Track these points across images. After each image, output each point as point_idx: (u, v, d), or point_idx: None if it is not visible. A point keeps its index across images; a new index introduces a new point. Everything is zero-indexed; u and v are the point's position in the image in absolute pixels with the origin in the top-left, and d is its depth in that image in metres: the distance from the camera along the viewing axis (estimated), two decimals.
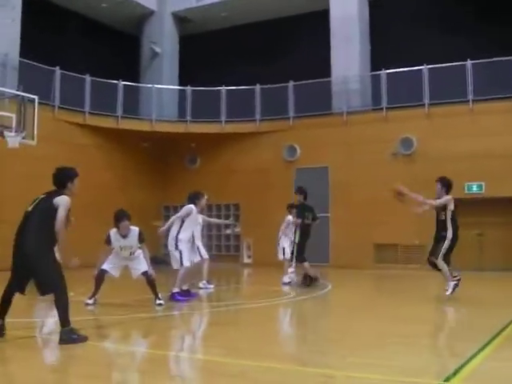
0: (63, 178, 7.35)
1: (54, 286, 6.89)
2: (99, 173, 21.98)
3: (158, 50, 26.74)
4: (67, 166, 7.72)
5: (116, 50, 26.64)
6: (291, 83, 23.14)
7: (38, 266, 6.88)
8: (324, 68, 23.10)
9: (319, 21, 24.34)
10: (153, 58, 27.03)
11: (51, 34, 24.03)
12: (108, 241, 10.36)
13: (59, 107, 21.42)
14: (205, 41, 27.40)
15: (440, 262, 11.20)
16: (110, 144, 23.06)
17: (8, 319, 7.07)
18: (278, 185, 22.59)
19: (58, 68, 21.44)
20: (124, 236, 10.27)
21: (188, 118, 23.77)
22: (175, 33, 27.59)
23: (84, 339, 6.86)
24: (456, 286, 11.15)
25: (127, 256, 10.46)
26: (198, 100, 23.80)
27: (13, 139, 16.22)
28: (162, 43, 26.98)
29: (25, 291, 7.09)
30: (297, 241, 14.54)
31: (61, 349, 6.63)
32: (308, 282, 14.30)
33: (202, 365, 6.02)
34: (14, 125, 16.38)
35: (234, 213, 24.13)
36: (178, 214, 11.94)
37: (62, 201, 7.00)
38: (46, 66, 21.04)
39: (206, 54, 27.11)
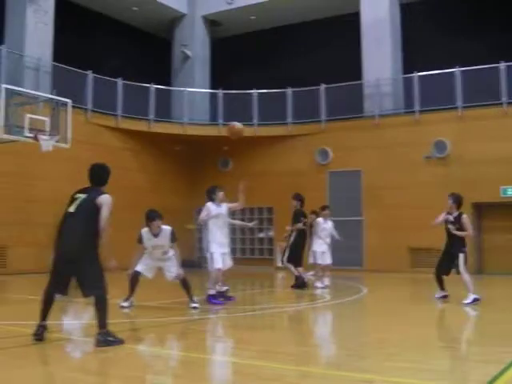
0: (105, 175, 7.33)
1: (98, 287, 6.84)
2: (132, 176, 22.09)
3: (189, 53, 26.81)
4: (102, 162, 7.60)
5: (148, 54, 26.79)
6: (323, 86, 23.03)
7: (83, 267, 6.82)
8: (355, 71, 22.96)
9: (350, 24, 24.18)
10: (184, 61, 27.11)
11: (83, 38, 24.22)
12: (140, 240, 10.37)
13: (92, 110, 21.56)
14: (235, 44, 27.44)
15: (465, 275, 11.19)
16: (143, 147, 23.17)
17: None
18: (310, 188, 22.35)
19: (90, 72, 21.59)
20: (155, 235, 10.26)
21: (220, 121, 23.76)
22: (206, 36, 27.64)
23: (120, 342, 6.82)
24: (476, 300, 11.05)
25: (160, 256, 10.44)
26: (230, 103, 23.79)
27: (46, 142, 16.32)
28: (193, 46, 27.04)
29: (67, 292, 7.06)
30: (292, 245, 14.87)
31: (98, 351, 6.62)
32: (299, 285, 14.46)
33: (238, 368, 5.96)
34: (47, 128, 16.50)
35: (267, 216, 24.08)
36: (200, 217, 11.79)
37: (106, 200, 6.95)
38: (79, 70, 21.21)
39: (237, 56, 27.15)
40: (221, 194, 11.99)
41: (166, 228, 10.37)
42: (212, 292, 11.22)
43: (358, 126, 22.26)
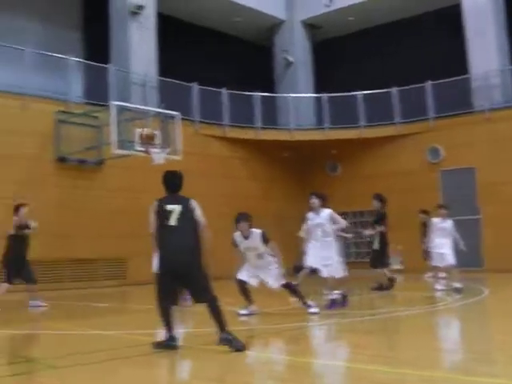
0: (179, 181, 7.61)
1: (209, 292, 6.97)
2: (242, 184, 22.30)
3: (290, 58, 26.87)
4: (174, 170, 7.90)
5: (250, 62, 27.01)
6: (429, 83, 22.51)
7: (194, 277, 6.99)
8: (459, 65, 22.35)
9: (449, 16, 23.65)
10: (287, 67, 27.18)
11: (186, 51, 24.73)
12: (234, 243, 10.45)
13: (199, 122, 21.91)
14: (336, 46, 27.34)
15: None
16: (251, 155, 23.34)
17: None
18: (422, 188, 21.99)
19: (195, 84, 21.94)
20: (246, 237, 10.32)
21: (326, 124, 23.64)
22: (306, 40, 27.66)
23: (242, 345, 6.81)
24: None
25: (256, 261, 10.42)
26: (335, 106, 23.62)
27: (158, 155, 16.70)
28: (294, 52, 27.09)
29: (178, 302, 7.27)
30: (377, 248, 14.63)
31: (219, 358, 6.64)
32: (386, 286, 14.24)
33: (360, 374, 5.83)
34: (158, 141, 16.87)
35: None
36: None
37: (197, 205, 7.22)
38: (184, 83, 21.61)
39: (339, 58, 27.02)
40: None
41: (256, 231, 10.39)
42: (332, 297, 11.07)
43: (468, 122, 21.62)
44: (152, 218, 7.17)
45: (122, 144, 16.62)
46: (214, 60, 26.05)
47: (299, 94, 25.75)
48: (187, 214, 7.10)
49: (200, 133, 21.86)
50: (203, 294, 7.00)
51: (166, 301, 7.11)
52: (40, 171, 17.57)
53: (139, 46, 21.33)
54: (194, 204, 7.23)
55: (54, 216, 17.36)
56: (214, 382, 5.81)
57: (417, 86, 22.74)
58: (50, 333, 7.51)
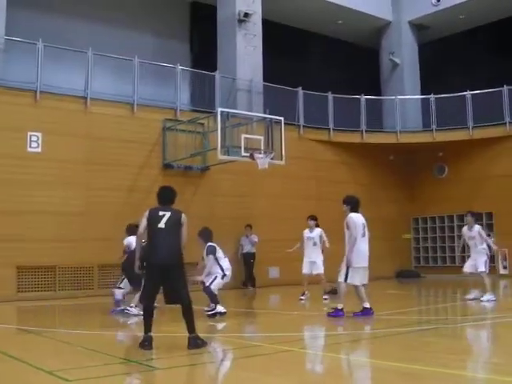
0: (173, 196, 8.16)
1: (185, 295, 7.63)
2: (347, 188, 21.99)
3: (397, 60, 26.52)
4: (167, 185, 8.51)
5: (355, 65, 26.83)
6: None
7: (175, 276, 7.62)
8: None
9: None
10: (393, 69, 26.86)
11: (291, 56, 24.87)
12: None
13: (304, 126, 21.97)
14: (443, 46, 26.75)
15: None
16: (355, 159, 23.20)
17: (267, 333, 7.25)
18: None
19: (300, 88, 22.03)
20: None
21: (433, 126, 23.17)
22: (413, 41, 27.25)
23: (205, 344, 7.58)
24: None
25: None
26: (442, 107, 23.10)
27: (262, 160, 16.83)
28: (401, 53, 26.74)
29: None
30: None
31: (310, 363, 6.66)
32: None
33: (463, 381, 5.71)
34: (262, 146, 17.01)
35: (486, 222, 23.07)
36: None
37: (186, 219, 7.91)
38: (289, 88, 21.73)
39: (447, 59, 26.44)
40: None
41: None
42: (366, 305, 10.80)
43: None
44: (143, 223, 7.88)
45: (227, 150, 16.86)
46: (318, 64, 26.11)
47: (406, 95, 25.37)
48: (175, 221, 7.82)
49: (304, 137, 21.92)
50: (179, 295, 7.64)
51: (150, 299, 7.73)
52: (147, 178, 18.06)
53: (246, 53, 21.63)
54: (184, 219, 7.91)
55: None
56: None
57: None
58: (158, 335, 7.74)
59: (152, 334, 7.54)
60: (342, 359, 7.06)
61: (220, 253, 11.82)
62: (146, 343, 7.47)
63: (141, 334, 7.60)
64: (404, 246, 24.61)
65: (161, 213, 7.82)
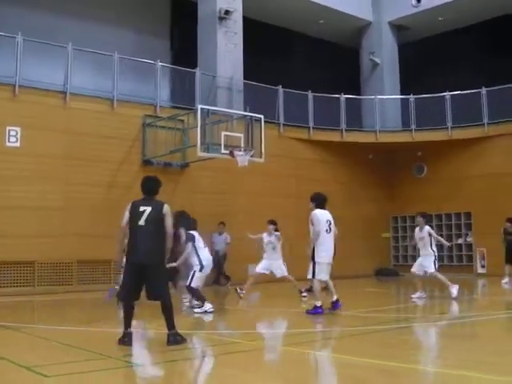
0: (157, 186, 8.03)
1: (165, 292, 7.69)
2: (326, 187, 22.15)
3: (377, 60, 26.63)
4: (153, 175, 8.42)
5: (335, 64, 26.90)
6: None
7: (154, 274, 7.55)
8: None
9: None
10: (373, 69, 26.97)
11: (272, 54, 24.87)
12: None
13: (284, 124, 22.01)
14: (423, 47, 26.91)
15: None
16: (335, 158, 23.28)
17: (247, 330, 7.25)
18: (510, 190, 21.41)
19: (280, 87, 22.06)
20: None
21: (412, 126, 23.30)
22: (393, 42, 27.38)
23: (185, 341, 7.57)
24: None
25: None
26: (422, 108, 23.25)
27: (242, 158, 16.85)
28: (381, 53, 26.86)
29: (139, 298, 7.75)
30: None
31: (300, 361, 6.67)
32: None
33: (441, 378, 5.76)
34: (242, 144, 17.03)
35: (465, 221, 23.26)
36: None
37: (168, 210, 7.74)
38: (269, 86, 21.76)
39: (426, 60, 26.60)
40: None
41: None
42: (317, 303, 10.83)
43: None
44: (125, 216, 7.75)
45: (207, 147, 16.87)
46: (299, 62, 26.14)
47: (385, 95, 25.49)
48: (156, 216, 7.65)
49: (284, 135, 21.96)
50: (158, 293, 7.60)
51: (131, 296, 7.67)
52: (126, 174, 18.00)
53: (226, 51, 21.61)
54: (166, 210, 7.73)
55: None
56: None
57: (507, 86, 22.08)
58: (138, 331, 7.73)
59: (132, 330, 7.52)
60: (320, 356, 7.09)
61: (200, 242, 11.81)
62: (126, 339, 7.45)
63: (120, 330, 7.57)
64: (383, 244, 24.73)
65: (141, 208, 7.68)
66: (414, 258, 24.55)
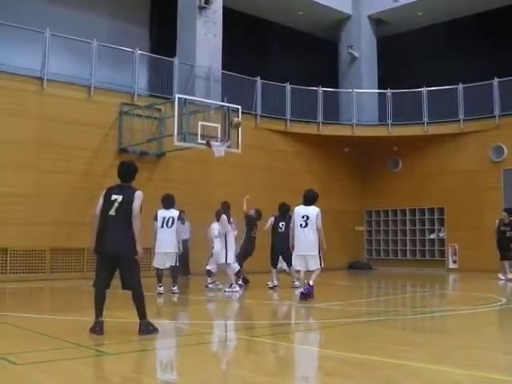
0: (131, 172, 7.88)
1: (137, 282, 7.59)
2: (301, 179, 22.31)
3: (356, 53, 26.71)
4: (129, 160, 8.48)
5: (314, 57, 26.93)
6: (496, 80, 22.04)
7: (126, 264, 7.54)
8: None
9: None
10: (351, 62, 27.03)
11: (251, 45, 24.85)
12: None
13: (261, 116, 22.02)
14: (402, 41, 27.01)
15: None
16: (311, 150, 23.35)
17: (219, 321, 7.27)
18: (484, 187, 21.67)
19: (258, 78, 22.06)
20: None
21: (389, 121, 23.45)
22: (372, 36, 27.46)
23: (157, 331, 7.52)
24: None
25: None
26: (399, 102, 23.40)
27: (219, 148, 16.86)
28: (360, 47, 26.93)
29: (109, 286, 7.74)
30: None
31: (268, 351, 6.71)
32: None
33: (411, 371, 5.82)
34: (219, 134, 17.03)
35: (438, 217, 23.47)
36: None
37: (138, 194, 7.55)
38: (248, 77, 21.76)
39: (404, 54, 26.69)
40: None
41: None
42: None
43: None
44: (99, 203, 7.66)
45: (184, 137, 16.85)
46: (277, 54, 26.14)
47: (363, 89, 25.58)
48: (127, 205, 7.50)
49: (261, 127, 22.00)
50: (129, 283, 7.54)
51: (102, 284, 7.61)
52: (102, 162, 17.95)
53: (205, 40, 21.56)
54: (136, 195, 7.56)
55: None
56: (271, 376, 5.85)
57: (483, 83, 22.27)
58: (109, 320, 7.71)
59: (103, 319, 7.51)
60: (290, 348, 7.13)
61: (159, 222, 12.07)
62: (97, 328, 7.43)
63: (92, 318, 7.56)
64: (357, 238, 24.88)
65: (113, 197, 7.56)
66: (387, 252, 24.91)
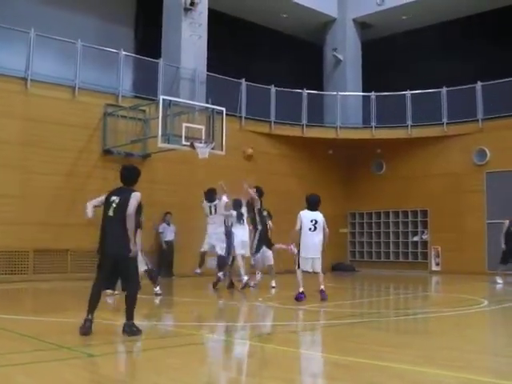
0: (133, 176, 8.06)
1: (136, 284, 7.75)
2: (285, 181, 22.39)
3: (340, 56, 26.79)
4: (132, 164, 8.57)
5: (299, 59, 27.00)
6: (479, 84, 22.16)
7: (125, 266, 7.61)
8: None
9: (505, 17, 23.41)
10: (336, 65, 27.10)
11: (236, 47, 24.84)
12: None
13: (246, 118, 22.04)
14: (387, 45, 27.11)
15: None
16: (295, 152, 23.39)
17: (204, 323, 7.28)
18: (467, 190, 21.81)
19: (243, 80, 22.08)
20: None
21: (373, 123, 23.53)
22: (357, 39, 27.54)
23: (140, 332, 7.52)
24: None
25: None
26: (383, 105, 23.49)
27: (203, 150, 16.86)
28: (345, 50, 27.00)
29: (115, 287, 8.09)
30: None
31: (251, 353, 6.72)
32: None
33: (395, 373, 5.85)
34: (203, 136, 17.03)
35: (421, 219, 23.59)
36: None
37: (135, 195, 7.64)
38: (232, 79, 21.77)
39: (389, 58, 26.80)
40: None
41: None
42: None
43: None
44: (98, 199, 8.15)
45: (168, 138, 16.83)
46: (262, 56, 26.15)
47: (347, 92, 25.65)
48: (123, 206, 7.55)
49: (245, 129, 22.00)
50: (127, 283, 7.78)
51: (100, 284, 7.69)
52: (86, 163, 17.92)
53: (190, 42, 21.53)
54: (133, 195, 7.63)
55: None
56: (250, 376, 5.87)
57: (467, 86, 22.39)
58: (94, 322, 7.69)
59: (91, 317, 7.47)
60: (275, 349, 7.14)
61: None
62: (87, 325, 7.42)
63: (74, 320, 7.54)
64: (340, 240, 24.91)
65: (112, 198, 7.67)
66: (371, 254, 25.00)
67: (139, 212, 7.86)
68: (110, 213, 7.60)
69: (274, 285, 14.42)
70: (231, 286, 14.47)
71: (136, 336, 7.42)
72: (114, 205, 7.60)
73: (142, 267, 12.25)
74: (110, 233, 7.58)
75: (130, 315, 7.53)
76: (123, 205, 7.55)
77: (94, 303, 7.58)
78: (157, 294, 12.47)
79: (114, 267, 7.61)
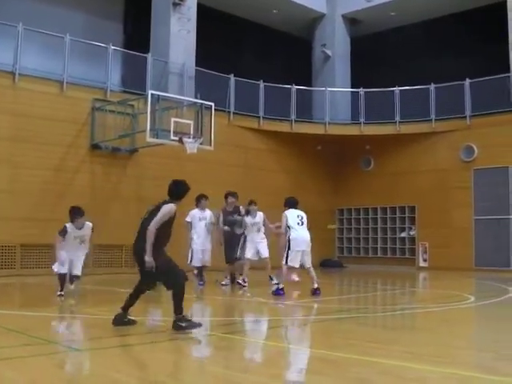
0: (178, 189, 7.95)
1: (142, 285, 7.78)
2: (274, 177, 22.39)
3: (329, 52, 26.80)
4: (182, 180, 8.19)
5: (288, 55, 26.99)
6: (467, 81, 22.22)
7: (142, 272, 7.64)
8: (500, 63, 21.96)
9: (490, 15, 23.40)
10: (325, 61, 27.12)
11: (225, 42, 24.80)
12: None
13: (234, 113, 22.02)
14: (376, 41, 27.14)
15: None
16: (284, 148, 23.39)
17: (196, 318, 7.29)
18: (454, 186, 21.89)
19: (232, 75, 22.07)
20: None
21: (362, 119, 23.58)
22: (346, 35, 27.54)
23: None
24: None
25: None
26: (372, 101, 23.54)
27: (191, 145, 16.83)
28: (334, 46, 27.01)
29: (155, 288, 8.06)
30: None
31: (240, 349, 6.73)
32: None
33: (382, 369, 5.88)
34: (191, 131, 17.00)
35: (409, 215, 23.66)
36: None
37: (164, 208, 7.54)
38: (221, 74, 21.76)
39: (378, 54, 26.83)
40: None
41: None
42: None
43: (505, 121, 21.19)
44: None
45: (157, 133, 16.79)
46: (251, 52, 26.12)
47: (336, 88, 25.67)
48: (149, 218, 7.52)
49: (234, 124, 21.98)
50: (164, 285, 7.65)
51: (144, 285, 7.76)
52: (74, 158, 17.86)
53: (179, 37, 21.48)
54: (162, 208, 7.53)
55: (86, 202, 17.55)
56: (247, 373, 5.87)
57: (455, 83, 22.47)
58: (80, 316, 7.67)
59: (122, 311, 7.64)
60: (263, 345, 7.15)
61: None
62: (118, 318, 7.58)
63: (62, 315, 7.52)
64: (328, 235, 24.94)
65: (149, 207, 7.79)
66: (358, 250, 25.06)
67: (169, 224, 7.63)
68: (143, 220, 7.63)
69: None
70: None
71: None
72: (146, 214, 7.66)
73: None
74: (136, 239, 7.60)
75: (175, 310, 7.41)
76: (150, 217, 7.53)
77: (133, 300, 7.68)
78: None
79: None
